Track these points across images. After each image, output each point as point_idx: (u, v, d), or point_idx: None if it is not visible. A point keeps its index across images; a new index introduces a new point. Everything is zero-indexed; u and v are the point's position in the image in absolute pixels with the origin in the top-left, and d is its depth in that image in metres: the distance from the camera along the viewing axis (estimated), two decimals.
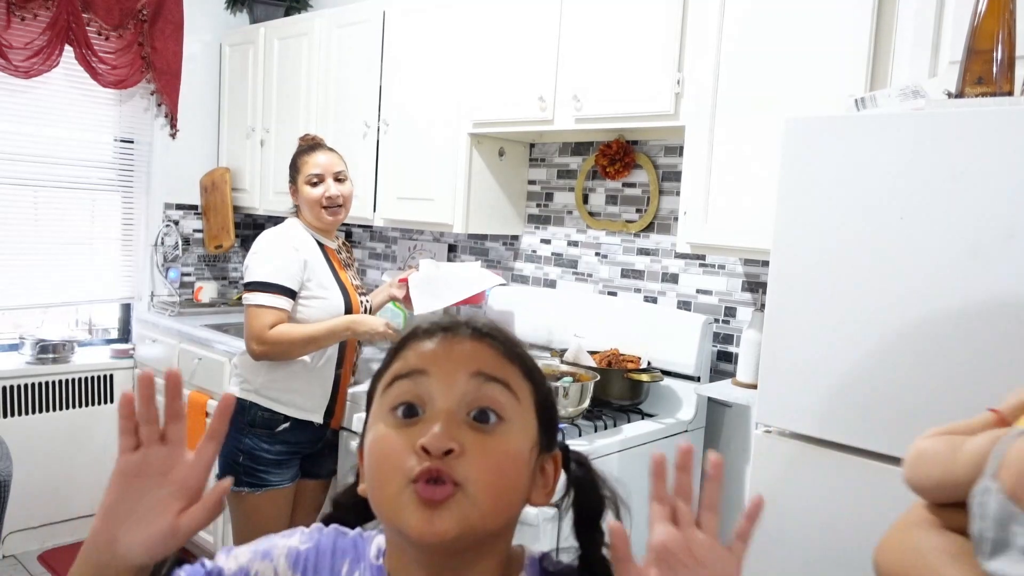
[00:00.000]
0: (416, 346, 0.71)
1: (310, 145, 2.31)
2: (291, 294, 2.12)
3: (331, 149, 2.32)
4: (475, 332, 0.71)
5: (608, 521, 0.69)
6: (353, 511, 0.77)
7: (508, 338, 0.73)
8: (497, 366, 0.70)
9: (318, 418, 2.24)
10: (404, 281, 2.46)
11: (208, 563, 0.72)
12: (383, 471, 0.66)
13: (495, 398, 0.68)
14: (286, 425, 2.18)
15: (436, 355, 0.69)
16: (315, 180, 2.22)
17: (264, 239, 2.21)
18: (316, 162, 2.24)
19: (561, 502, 0.78)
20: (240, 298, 3.85)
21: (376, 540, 0.76)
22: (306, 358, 2.19)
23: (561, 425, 1.98)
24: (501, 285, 2.62)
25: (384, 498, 0.66)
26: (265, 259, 2.14)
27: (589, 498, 0.77)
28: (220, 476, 2.46)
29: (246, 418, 2.17)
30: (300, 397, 2.21)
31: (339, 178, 2.26)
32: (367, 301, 2.37)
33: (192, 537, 0.65)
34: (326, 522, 0.78)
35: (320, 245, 2.25)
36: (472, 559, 0.69)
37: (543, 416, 0.73)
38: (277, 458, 2.19)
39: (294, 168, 2.28)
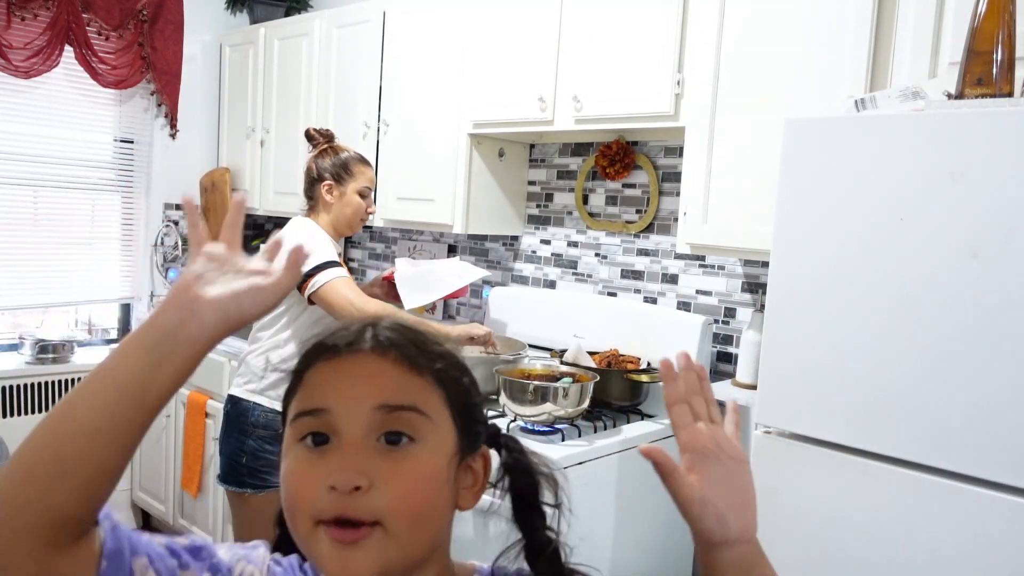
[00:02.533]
0: (317, 375, 0.68)
1: (362, 156, 2.34)
2: (344, 269, 2.15)
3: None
4: (376, 346, 0.68)
5: (639, 447, 0.71)
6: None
7: (414, 342, 0.69)
8: (402, 389, 0.66)
9: None
10: (388, 279, 2.45)
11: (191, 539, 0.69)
12: (295, 509, 0.65)
13: (404, 422, 0.65)
14: None
15: (336, 389, 0.66)
16: (366, 192, 2.29)
17: (297, 232, 2.18)
18: (370, 176, 2.31)
19: (496, 486, 0.75)
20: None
21: (285, 562, 0.76)
22: None
23: (560, 426, 1.99)
24: (484, 281, 2.62)
25: (299, 537, 0.65)
26: (311, 246, 2.13)
27: (524, 482, 0.75)
28: (222, 477, 2.46)
29: (250, 419, 2.17)
30: None
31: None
32: None
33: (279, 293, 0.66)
34: (276, 543, 0.76)
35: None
36: None
37: (462, 420, 0.70)
38: (280, 459, 2.18)
39: (346, 171, 2.26)
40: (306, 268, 2.08)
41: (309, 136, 2.34)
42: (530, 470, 0.75)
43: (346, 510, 0.62)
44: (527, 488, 0.75)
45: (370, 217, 2.35)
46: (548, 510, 0.76)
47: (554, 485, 0.76)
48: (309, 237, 2.17)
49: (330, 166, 2.26)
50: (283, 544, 0.74)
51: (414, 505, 0.64)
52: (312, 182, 2.28)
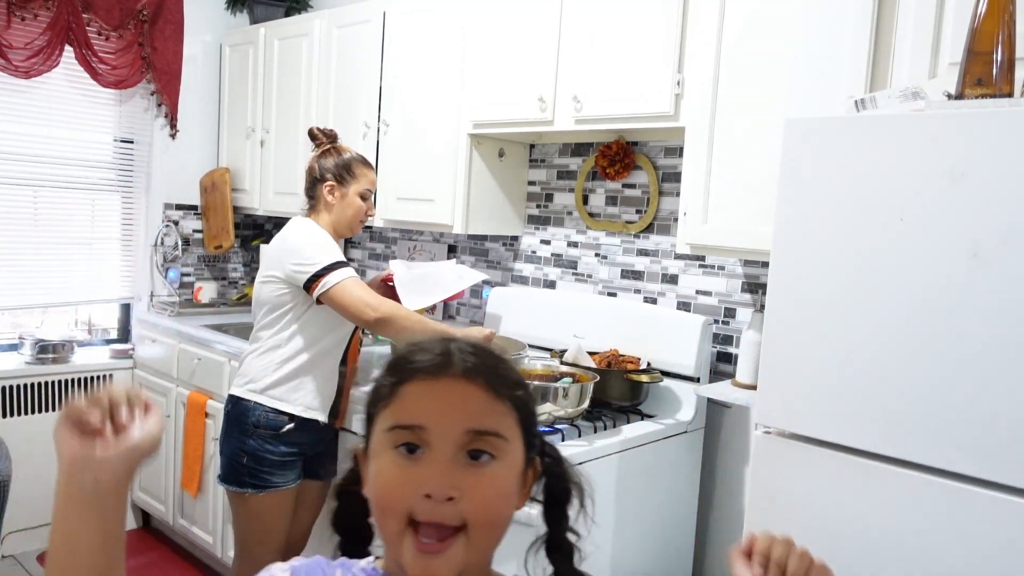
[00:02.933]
0: (413, 392, 0.76)
1: (365, 159, 2.33)
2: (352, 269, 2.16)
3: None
4: (466, 372, 0.76)
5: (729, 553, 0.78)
6: (358, 506, 0.83)
7: (495, 369, 0.78)
8: (488, 415, 0.76)
9: (323, 416, 2.24)
10: (385, 281, 2.45)
11: None
12: (388, 507, 0.74)
13: (487, 443, 0.75)
14: (291, 426, 2.18)
15: (433, 409, 0.75)
16: (367, 194, 2.29)
17: (302, 233, 2.19)
18: (372, 179, 2.32)
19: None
20: (239, 298, 3.86)
21: (361, 563, 0.84)
22: (315, 356, 2.20)
23: (560, 426, 2.00)
24: (482, 281, 2.61)
25: (387, 532, 0.75)
26: (320, 246, 2.14)
27: (558, 486, 0.85)
28: (223, 477, 2.47)
29: (250, 419, 2.17)
30: (308, 395, 2.21)
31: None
32: None
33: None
34: (335, 517, 0.87)
35: None
36: None
37: (527, 436, 0.80)
38: (281, 459, 2.19)
39: (349, 172, 2.26)
40: (314, 270, 2.08)
41: (312, 135, 2.34)
42: (564, 477, 0.85)
43: (439, 516, 0.72)
44: (560, 492, 0.84)
45: (370, 219, 2.35)
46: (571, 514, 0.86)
47: (580, 494, 0.85)
48: (312, 238, 2.17)
49: (332, 167, 2.26)
50: (341, 518, 0.87)
51: (493, 513, 0.75)
52: (314, 182, 2.28)
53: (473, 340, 0.82)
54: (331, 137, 2.34)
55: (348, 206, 2.26)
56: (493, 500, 0.75)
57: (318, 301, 2.12)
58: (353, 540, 0.87)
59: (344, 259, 2.14)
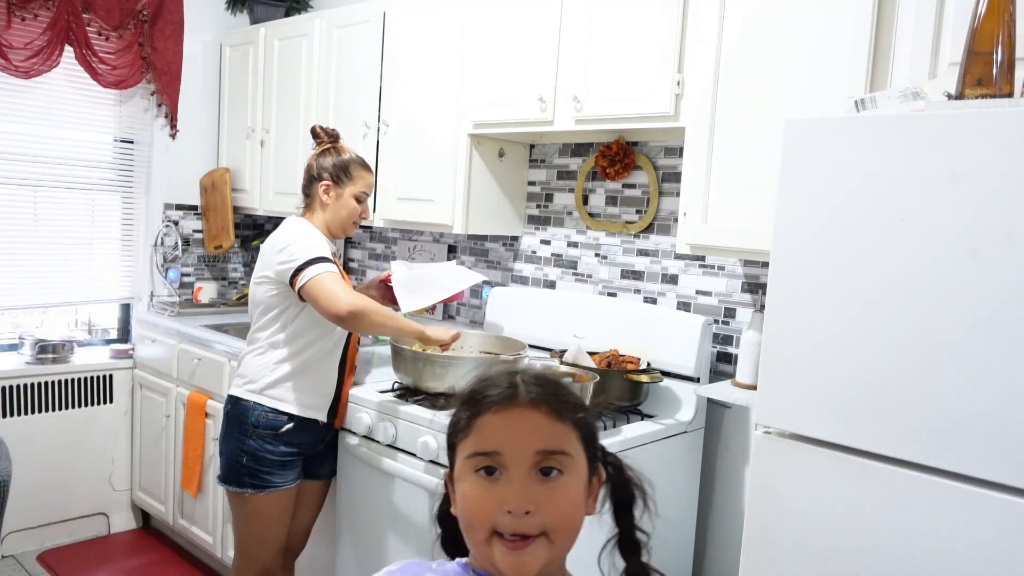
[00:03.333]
0: (487, 423, 0.88)
1: (364, 161, 2.33)
2: (334, 265, 2.14)
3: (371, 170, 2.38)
4: (531, 401, 0.88)
5: None
6: (453, 526, 0.94)
7: (560, 396, 0.90)
8: (554, 437, 0.87)
9: (322, 416, 2.24)
10: (384, 282, 2.45)
11: None
12: (475, 523, 0.86)
13: (556, 461, 0.86)
14: (290, 426, 2.18)
15: (506, 436, 0.87)
16: (363, 197, 2.29)
17: (290, 231, 2.18)
18: (369, 182, 2.31)
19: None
20: (239, 298, 3.86)
21: (451, 565, 0.94)
22: (312, 356, 2.20)
23: None
24: (481, 283, 2.60)
25: (476, 541, 0.87)
26: (304, 243, 2.13)
27: (621, 491, 0.97)
28: (223, 477, 2.49)
29: (250, 419, 2.17)
30: (307, 395, 2.21)
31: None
32: None
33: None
34: (442, 542, 1.00)
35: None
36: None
37: (589, 450, 0.92)
38: (281, 459, 2.19)
39: (346, 173, 2.26)
40: (295, 265, 2.08)
41: (315, 134, 2.33)
42: (628, 482, 0.97)
43: (520, 528, 0.84)
44: (626, 496, 0.97)
45: (365, 220, 2.36)
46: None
47: (643, 495, 0.98)
48: (297, 236, 2.16)
49: (330, 166, 2.26)
50: (447, 542, 0.99)
51: (567, 520, 0.86)
52: (311, 180, 2.28)
53: (536, 371, 0.93)
54: (333, 137, 2.33)
55: (342, 207, 2.25)
56: (566, 509, 0.86)
57: (301, 298, 2.12)
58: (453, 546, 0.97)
59: (327, 255, 2.13)
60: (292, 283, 2.09)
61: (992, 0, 1.35)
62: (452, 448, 0.92)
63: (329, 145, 2.31)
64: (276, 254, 2.14)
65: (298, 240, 2.14)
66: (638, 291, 2.60)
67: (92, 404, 3.47)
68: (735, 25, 1.95)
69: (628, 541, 0.97)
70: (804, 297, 1.48)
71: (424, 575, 0.92)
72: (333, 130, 2.35)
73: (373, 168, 2.92)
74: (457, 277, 2.42)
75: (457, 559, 0.94)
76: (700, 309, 2.43)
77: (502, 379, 0.90)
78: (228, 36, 3.73)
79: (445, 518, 0.97)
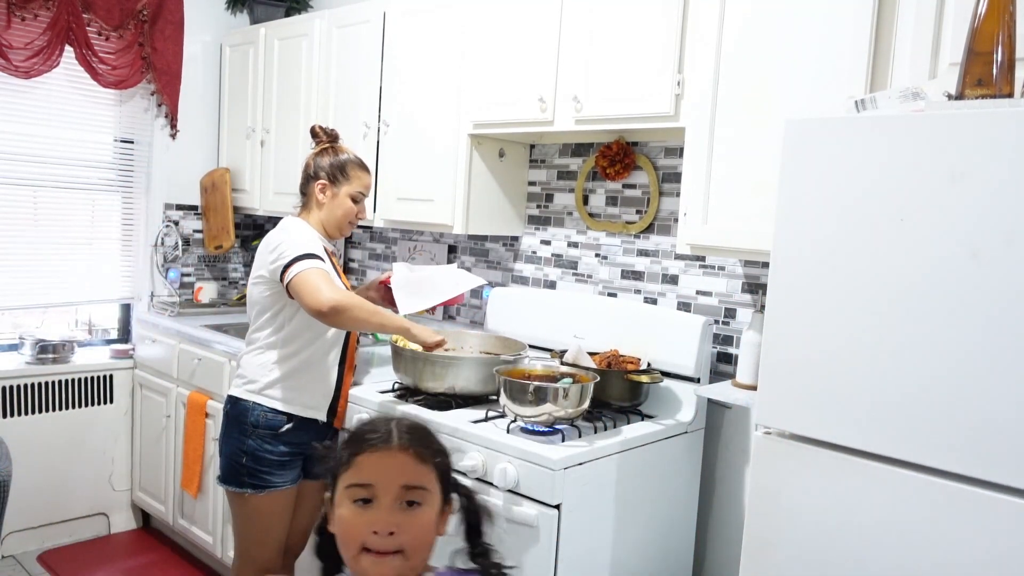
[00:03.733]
0: (364, 460, 1.08)
1: (361, 161, 2.32)
2: (323, 262, 2.12)
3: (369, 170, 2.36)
4: (402, 445, 1.08)
5: None
6: (329, 540, 1.13)
7: (423, 442, 1.11)
8: (417, 475, 1.08)
9: (322, 416, 2.24)
10: (384, 283, 2.44)
11: None
12: (349, 541, 1.07)
13: (417, 495, 1.07)
14: (289, 426, 2.18)
15: (379, 472, 1.07)
16: (359, 197, 2.28)
17: (284, 230, 2.18)
18: (366, 182, 2.29)
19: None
20: (239, 299, 3.86)
21: None
22: (311, 356, 2.20)
23: (560, 427, 2.00)
24: (481, 286, 2.59)
25: (348, 555, 1.07)
26: (294, 241, 2.12)
27: (472, 515, 1.18)
28: (222, 477, 2.48)
29: (249, 419, 2.17)
30: (306, 395, 2.21)
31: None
32: None
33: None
34: (317, 549, 1.18)
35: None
36: None
37: (444, 486, 1.12)
38: (280, 459, 2.19)
39: (343, 173, 2.25)
40: (283, 263, 2.07)
41: (314, 133, 2.33)
42: (476, 507, 1.18)
43: (385, 546, 1.04)
44: (475, 517, 1.18)
45: (364, 220, 2.35)
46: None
47: (488, 516, 1.20)
48: (289, 235, 2.15)
49: (327, 166, 2.26)
50: (322, 549, 1.17)
51: (421, 541, 1.08)
52: (308, 179, 2.28)
53: (409, 421, 1.14)
54: (332, 136, 2.33)
55: (338, 206, 2.25)
56: (421, 533, 1.07)
57: (289, 295, 2.11)
58: (334, 565, 1.16)
59: (317, 252, 2.11)
60: (281, 280, 2.09)
61: (992, 0, 1.35)
62: (334, 478, 1.11)
63: (328, 145, 2.30)
64: (269, 253, 2.14)
65: (291, 238, 2.13)
66: (638, 291, 2.60)
67: (92, 404, 3.47)
68: (735, 25, 1.95)
69: (480, 551, 1.19)
70: (804, 297, 1.48)
71: None
72: (332, 130, 2.35)
73: (373, 168, 2.93)
74: (455, 281, 2.41)
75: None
76: (700, 309, 2.43)
77: (381, 425, 1.11)
78: (228, 36, 3.73)
79: (322, 531, 1.16)
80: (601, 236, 2.71)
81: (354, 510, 1.07)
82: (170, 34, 3.50)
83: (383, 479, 1.06)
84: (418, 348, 2.25)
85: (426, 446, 1.11)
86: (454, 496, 1.16)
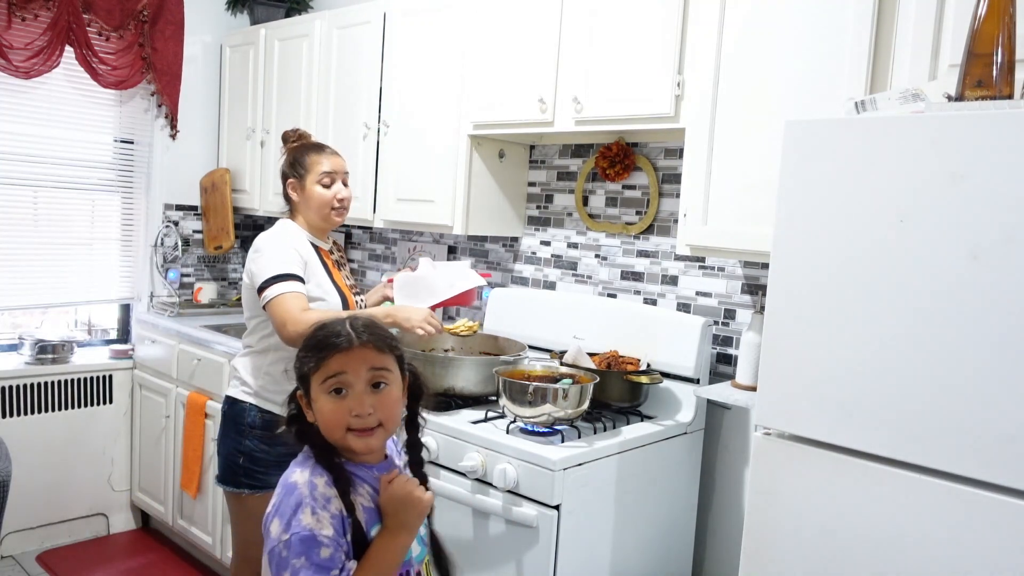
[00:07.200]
0: (334, 359, 1.25)
1: (317, 145, 2.27)
2: (302, 280, 2.10)
3: (335, 151, 2.31)
4: (363, 342, 1.27)
5: None
6: (308, 426, 1.31)
7: (382, 337, 1.31)
8: (380, 360, 1.28)
9: None
10: (390, 281, 2.44)
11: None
12: (333, 427, 1.26)
13: (382, 376, 1.28)
14: (285, 427, 2.18)
15: (348, 364, 1.25)
16: (327, 181, 2.20)
17: (262, 241, 2.17)
18: (330, 164, 2.21)
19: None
20: (239, 299, 3.85)
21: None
22: None
23: (560, 427, 2.00)
24: (483, 286, 2.56)
25: (336, 438, 1.27)
26: (270, 257, 2.10)
27: (415, 385, 1.39)
28: (220, 477, 2.48)
29: (246, 420, 2.17)
30: None
31: (346, 181, 2.25)
32: (362, 301, 2.36)
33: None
34: (289, 422, 1.34)
35: (314, 247, 2.23)
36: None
37: (401, 368, 1.33)
38: (278, 460, 2.18)
39: (300, 166, 2.21)
40: (259, 281, 2.05)
41: (284, 138, 2.31)
42: (420, 383, 1.40)
43: (365, 424, 1.26)
44: (417, 389, 1.39)
45: (341, 204, 2.22)
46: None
47: (426, 387, 1.41)
48: (270, 246, 2.13)
49: (288, 165, 2.24)
50: (300, 432, 1.33)
51: (392, 414, 1.30)
52: (283, 183, 2.26)
53: (363, 320, 1.32)
54: (298, 135, 2.30)
55: (310, 198, 2.20)
56: (391, 408, 1.29)
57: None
58: (323, 448, 1.29)
59: (291, 271, 2.07)
60: (260, 296, 2.09)
61: (992, 2, 1.35)
62: (305, 380, 1.28)
63: (295, 144, 2.28)
64: (251, 262, 2.13)
65: (268, 253, 2.10)
66: (638, 292, 2.60)
67: (92, 404, 3.47)
68: (735, 26, 1.95)
69: (413, 420, 1.40)
70: (804, 298, 1.48)
71: (319, 476, 1.25)
72: (295, 130, 2.31)
73: (373, 169, 2.93)
74: (450, 283, 2.35)
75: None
76: (700, 310, 2.43)
77: (340, 328, 1.28)
78: (228, 37, 3.73)
79: (294, 420, 1.33)
80: (601, 237, 2.71)
81: (333, 400, 1.25)
82: (170, 34, 3.51)
83: (353, 368, 1.25)
84: (418, 350, 2.24)
85: (383, 339, 1.30)
86: (409, 372, 1.38)
